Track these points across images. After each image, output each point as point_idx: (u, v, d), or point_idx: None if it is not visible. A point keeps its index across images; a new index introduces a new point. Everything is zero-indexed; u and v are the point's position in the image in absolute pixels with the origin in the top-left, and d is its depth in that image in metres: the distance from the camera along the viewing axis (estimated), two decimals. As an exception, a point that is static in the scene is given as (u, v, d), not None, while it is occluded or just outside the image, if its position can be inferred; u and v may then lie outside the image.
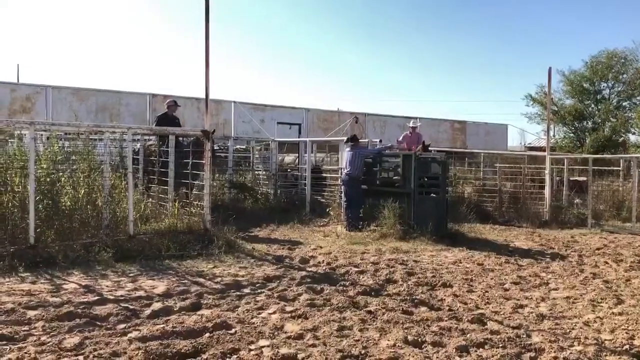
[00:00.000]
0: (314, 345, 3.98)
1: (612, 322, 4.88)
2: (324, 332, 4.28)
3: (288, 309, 4.91)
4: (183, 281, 5.86)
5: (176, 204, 8.27)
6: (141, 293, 5.32)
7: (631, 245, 9.51)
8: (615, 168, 16.71)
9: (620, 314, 5.17)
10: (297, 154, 15.83)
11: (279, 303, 5.11)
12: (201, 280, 5.95)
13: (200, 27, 7.83)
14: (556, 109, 39.76)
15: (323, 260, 7.23)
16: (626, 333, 4.54)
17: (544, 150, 13.94)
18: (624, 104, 41.08)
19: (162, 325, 4.31)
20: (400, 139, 13.73)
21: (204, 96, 8.01)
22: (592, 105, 40.70)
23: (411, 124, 13.73)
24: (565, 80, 41.30)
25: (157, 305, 4.86)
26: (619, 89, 40.99)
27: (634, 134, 40.16)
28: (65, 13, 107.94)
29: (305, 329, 4.33)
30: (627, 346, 4.19)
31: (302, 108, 26.82)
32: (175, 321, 4.46)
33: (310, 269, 6.71)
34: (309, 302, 5.13)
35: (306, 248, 8.27)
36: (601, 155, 21.30)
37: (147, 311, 4.72)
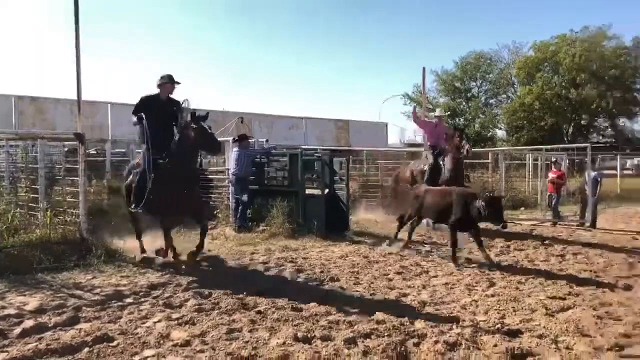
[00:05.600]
0: (202, 351, 3.88)
1: (486, 304, 5.26)
2: (212, 336, 4.19)
3: (174, 316, 4.75)
4: (58, 295, 5.45)
5: (48, 212, 7.68)
6: (10, 311, 4.87)
7: (501, 232, 10.25)
8: (485, 161, 18.04)
9: (492, 295, 5.58)
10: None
11: (164, 311, 4.92)
12: (79, 292, 5.58)
13: (71, 21, 7.31)
14: (431, 106, 42.19)
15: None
16: (498, 313, 4.91)
17: (422, 147, 14.67)
18: (491, 101, 44.76)
19: (34, 344, 3.99)
20: (418, 127, 11.94)
21: (76, 97, 7.50)
22: (464, 103, 43.75)
23: (437, 113, 11.54)
24: (438, 79, 44.13)
25: (28, 323, 4.48)
26: (486, 87, 44.52)
27: (500, 129, 43.85)
28: None
29: (193, 335, 4.20)
30: (499, 325, 4.53)
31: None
32: (50, 338, 4.14)
33: (197, 274, 6.54)
34: (196, 307, 5.00)
35: (193, 252, 8.01)
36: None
37: (17, 330, 4.34)
